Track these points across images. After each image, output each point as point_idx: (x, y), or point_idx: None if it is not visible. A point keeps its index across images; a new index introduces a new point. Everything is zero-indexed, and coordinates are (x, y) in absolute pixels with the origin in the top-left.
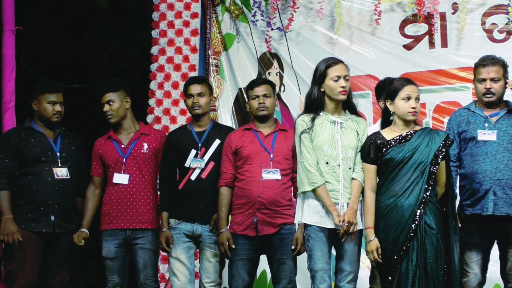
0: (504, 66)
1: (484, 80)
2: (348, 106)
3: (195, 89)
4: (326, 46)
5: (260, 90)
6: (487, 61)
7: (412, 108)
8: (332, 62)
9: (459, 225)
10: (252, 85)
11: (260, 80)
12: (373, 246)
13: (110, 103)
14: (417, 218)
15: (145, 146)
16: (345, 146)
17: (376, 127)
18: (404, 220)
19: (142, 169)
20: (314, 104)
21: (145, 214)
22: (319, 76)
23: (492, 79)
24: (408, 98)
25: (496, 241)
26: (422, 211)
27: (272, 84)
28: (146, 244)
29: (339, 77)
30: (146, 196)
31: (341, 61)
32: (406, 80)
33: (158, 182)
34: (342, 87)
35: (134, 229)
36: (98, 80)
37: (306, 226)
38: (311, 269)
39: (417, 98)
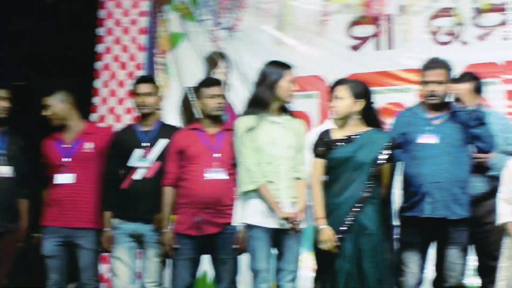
0: (448, 69)
1: (428, 82)
2: (286, 108)
3: (143, 88)
4: (273, 46)
5: (217, 90)
6: (432, 63)
7: (333, 106)
8: (287, 65)
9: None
10: (209, 84)
11: (215, 80)
12: (328, 235)
13: (49, 107)
14: (353, 217)
15: (90, 145)
16: (286, 146)
17: (323, 128)
18: (340, 219)
19: (85, 169)
20: (260, 104)
21: (89, 214)
22: (273, 77)
23: (437, 82)
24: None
25: (433, 241)
26: (359, 210)
27: (222, 84)
28: (88, 244)
29: (292, 80)
30: (90, 196)
31: (292, 65)
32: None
33: (102, 180)
34: (293, 90)
35: (76, 228)
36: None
37: (248, 226)
38: (252, 269)
39: (338, 98)
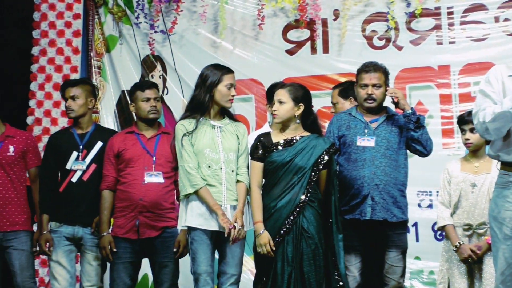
0: (385, 73)
1: (366, 85)
2: (226, 111)
3: (68, 92)
4: (209, 49)
5: (151, 93)
6: (370, 67)
7: (273, 111)
8: (226, 70)
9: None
10: (143, 87)
11: (150, 83)
12: (265, 239)
13: None
14: (291, 221)
15: (11, 148)
16: (226, 149)
17: (263, 131)
18: (280, 222)
19: (8, 172)
20: (200, 108)
21: (16, 217)
22: (212, 81)
23: (374, 85)
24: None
25: (373, 244)
26: (297, 214)
27: (158, 88)
28: (20, 246)
29: (231, 85)
30: (16, 199)
31: (233, 71)
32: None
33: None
34: (233, 95)
35: (5, 232)
36: None
37: (189, 229)
38: (194, 272)
39: (280, 102)
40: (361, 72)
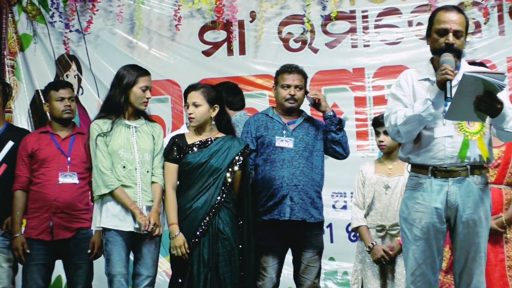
0: (305, 76)
1: (288, 86)
2: (142, 112)
3: None
4: (125, 49)
5: (65, 92)
6: (293, 68)
7: (189, 114)
8: (142, 72)
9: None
10: (57, 86)
11: (64, 82)
12: (180, 241)
13: None
14: (207, 222)
15: None
16: (141, 149)
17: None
18: (196, 223)
19: None
20: (115, 108)
21: None
22: (127, 82)
23: (296, 86)
24: (188, 106)
25: (290, 245)
26: (213, 215)
27: (73, 87)
28: None
29: (147, 88)
30: None
31: (149, 73)
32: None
33: None
34: (147, 98)
35: None
36: None
37: (104, 230)
38: (108, 274)
39: (195, 105)
40: (284, 73)
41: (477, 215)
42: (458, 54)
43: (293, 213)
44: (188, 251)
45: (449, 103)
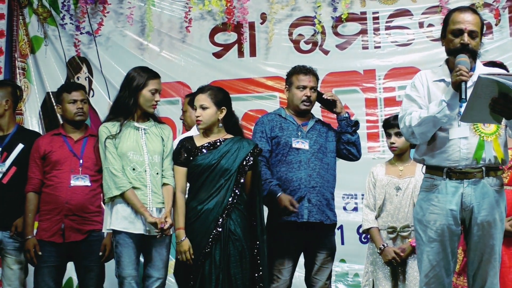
0: (318, 77)
1: (305, 87)
2: (151, 114)
3: None
4: (136, 51)
5: (78, 95)
6: (308, 69)
7: (196, 117)
8: (152, 74)
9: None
10: (69, 89)
11: (76, 85)
12: (186, 246)
13: None
14: (220, 224)
15: None
16: (151, 151)
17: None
18: (208, 225)
19: None
20: (124, 110)
21: None
22: (137, 84)
23: (312, 88)
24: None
25: (304, 247)
26: (225, 217)
27: (85, 90)
28: None
29: (156, 90)
30: None
31: (159, 75)
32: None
33: None
34: (157, 100)
35: None
36: None
37: (114, 232)
38: (119, 276)
39: (202, 107)
40: (299, 74)
41: (492, 217)
42: (473, 54)
43: (311, 215)
44: (193, 256)
45: (464, 105)
